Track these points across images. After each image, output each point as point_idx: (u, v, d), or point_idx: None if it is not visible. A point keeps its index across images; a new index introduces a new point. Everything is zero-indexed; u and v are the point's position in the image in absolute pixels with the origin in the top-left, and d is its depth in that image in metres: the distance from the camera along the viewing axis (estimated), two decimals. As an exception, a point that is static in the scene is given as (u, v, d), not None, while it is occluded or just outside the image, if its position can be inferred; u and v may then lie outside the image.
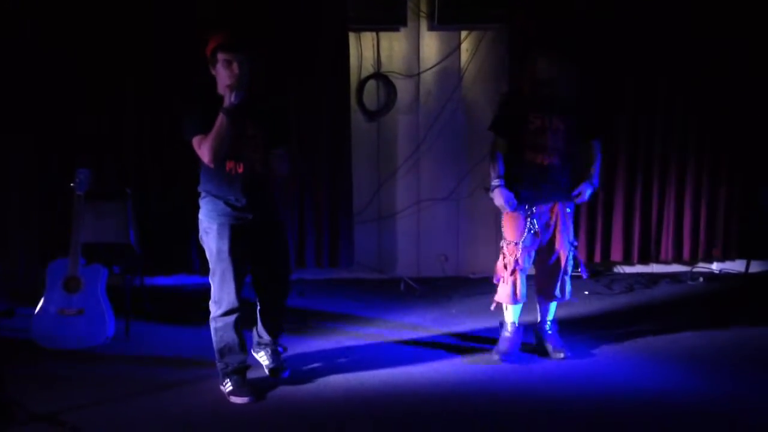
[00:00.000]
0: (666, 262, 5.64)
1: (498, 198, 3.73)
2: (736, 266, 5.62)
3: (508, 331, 3.86)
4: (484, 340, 4.13)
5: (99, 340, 4.03)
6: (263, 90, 3.57)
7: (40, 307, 4.02)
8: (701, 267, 5.66)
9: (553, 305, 3.93)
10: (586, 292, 5.15)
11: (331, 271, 5.52)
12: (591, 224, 5.51)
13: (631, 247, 5.55)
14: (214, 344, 3.47)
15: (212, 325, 3.46)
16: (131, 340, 4.20)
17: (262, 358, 3.73)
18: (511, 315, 3.86)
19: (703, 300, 5.02)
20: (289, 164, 3.51)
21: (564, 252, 3.79)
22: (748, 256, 5.45)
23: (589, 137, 3.84)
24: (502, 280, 3.78)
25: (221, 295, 3.40)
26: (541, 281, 3.89)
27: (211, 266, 3.43)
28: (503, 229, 3.81)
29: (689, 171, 5.53)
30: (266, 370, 3.68)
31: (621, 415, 3.24)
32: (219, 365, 3.48)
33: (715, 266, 5.70)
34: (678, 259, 5.64)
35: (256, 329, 3.76)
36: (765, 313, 4.62)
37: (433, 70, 5.58)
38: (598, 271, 5.59)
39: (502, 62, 5.43)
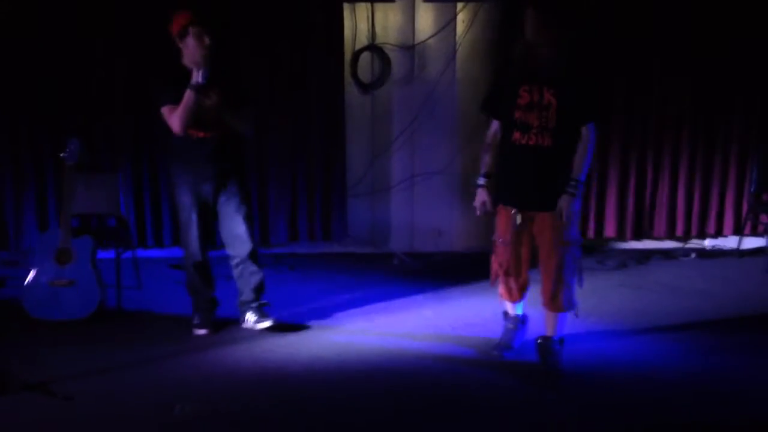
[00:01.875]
0: (659, 239, 5.65)
1: (476, 198, 3.48)
2: (729, 242, 5.64)
3: (511, 323, 3.63)
4: (477, 319, 4.11)
5: (90, 311, 4.01)
6: (224, 58, 3.84)
7: (32, 278, 4.00)
8: (694, 243, 5.68)
9: (554, 318, 3.42)
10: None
11: (323, 244, 5.51)
12: (584, 200, 5.49)
13: (625, 224, 5.55)
14: (185, 281, 3.95)
15: (183, 265, 3.95)
16: (122, 312, 4.21)
17: (249, 318, 3.94)
18: (512, 307, 3.62)
19: (695, 275, 5.03)
20: (251, 125, 3.84)
21: (556, 254, 3.31)
22: (741, 233, 5.48)
23: (583, 120, 3.29)
24: (493, 276, 3.52)
25: (186, 243, 3.85)
26: (541, 288, 3.44)
27: (179, 219, 3.87)
28: (496, 222, 3.51)
29: (683, 147, 5.52)
30: (257, 327, 3.90)
31: (618, 394, 3.25)
32: (191, 302, 3.93)
33: (708, 243, 5.72)
34: (671, 235, 5.65)
35: (238, 293, 3.99)
36: (755, 291, 4.65)
37: (429, 42, 5.51)
38: (591, 247, 5.60)
39: (499, 35, 5.37)
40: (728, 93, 5.46)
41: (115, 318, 4.11)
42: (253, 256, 3.91)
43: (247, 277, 3.92)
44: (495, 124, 3.49)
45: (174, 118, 3.62)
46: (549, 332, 3.47)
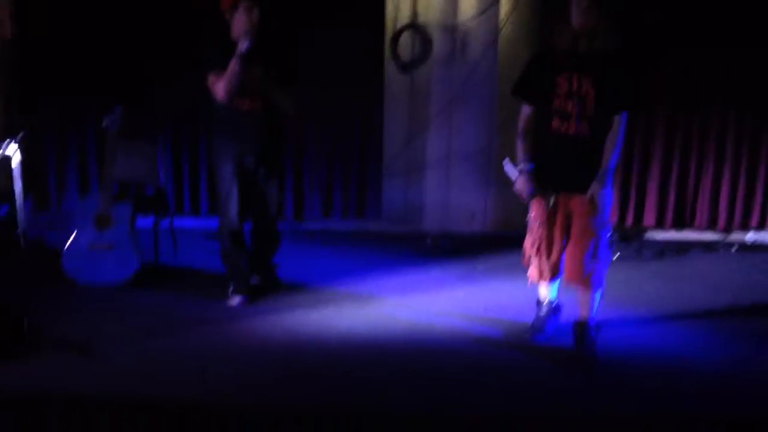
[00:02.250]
0: (700, 229, 5.54)
1: (519, 184, 3.42)
2: (769, 236, 5.52)
3: (543, 309, 3.62)
4: (509, 301, 4.08)
5: (127, 275, 4.09)
6: (273, 36, 3.87)
7: (71, 242, 4.08)
8: (735, 236, 5.55)
9: (587, 297, 3.40)
10: (615, 257, 5.09)
11: (357, 222, 5.52)
12: (625, 187, 5.42)
13: (665, 213, 5.46)
14: (220, 250, 3.98)
15: (219, 233, 3.98)
16: (159, 278, 4.26)
17: (257, 279, 4.08)
18: (545, 292, 3.61)
19: (735, 268, 4.92)
20: (294, 103, 3.88)
21: (590, 232, 3.32)
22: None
23: (617, 109, 3.29)
24: (529, 258, 3.53)
25: (225, 213, 3.90)
26: (566, 264, 3.46)
27: (219, 189, 3.92)
28: (530, 207, 3.51)
29: (729, 136, 5.40)
30: (263, 285, 4.06)
31: (647, 383, 3.21)
32: (226, 272, 3.99)
33: (750, 236, 5.59)
34: (713, 226, 5.53)
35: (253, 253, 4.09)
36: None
37: (471, 23, 5.45)
38: (628, 236, 5.51)
39: (542, 17, 5.29)
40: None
41: (152, 283, 4.17)
42: (275, 227, 4.09)
43: (267, 240, 4.07)
44: (527, 110, 3.45)
45: (219, 85, 3.70)
46: (584, 314, 3.44)
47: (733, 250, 5.36)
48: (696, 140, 5.40)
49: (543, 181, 3.41)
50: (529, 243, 3.53)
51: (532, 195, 3.44)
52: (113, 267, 4.07)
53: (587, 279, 3.35)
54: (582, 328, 3.41)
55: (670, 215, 5.47)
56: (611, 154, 3.30)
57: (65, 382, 2.95)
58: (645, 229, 5.58)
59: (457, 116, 5.53)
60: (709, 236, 5.57)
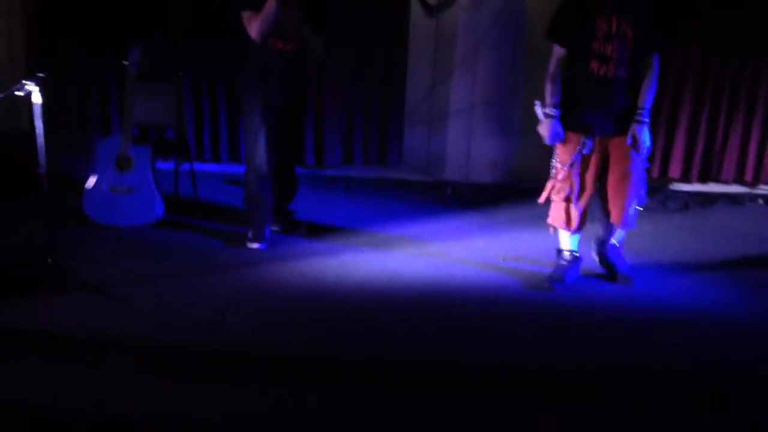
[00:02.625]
0: (726, 182, 5.43)
1: (544, 129, 3.41)
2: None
3: (564, 259, 3.60)
4: (529, 252, 4.05)
5: (149, 218, 4.11)
6: None
7: (92, 183, 4.10)
8: (762, 189, 5.43)
9: (621, 233, 3.61)
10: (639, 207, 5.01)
11: (378, 169, 5.47)
12: (652, 138, 5.29)
13: (691, 165, 5.35)
14: (244, 194, 3.94)
15: (245, 177, 3.90)
16: (180, 222, 4.27)
17: (276, 225, 4.07)
18: (567, 242, 3.59)
19: (761, 222, 4.83)
20: (324, 46, 3.83)
21: (632, 175, 3.40)
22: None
23: (652, 50, 3.32)
24: (552, 201, 3.53)
25: (252, 156, 3.83)
26: (608, 205, 3.51)
27: (247, 130, 3.83)
28: (557, 149, 3.49)
29: (761, 93, 5.23)
30: (279, 232, 4.06)
31: (666, 335, 3.18)
32: (247, 214, 3.96)
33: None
34: (740, 180, 5.42)
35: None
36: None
37: (499, -36, 5.27)
38: (654, 187, 5.40)
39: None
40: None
41: (172, 227, 4.19)
42: (292, 171, 4.08)
43: (285, 185, 4.05)
44: (560, 52, 3.39)
45: (255, 25, 3.62)
46: (614, 241, 3.62)
47: (760, 202, 5.25)
48: (727, 92, 5.24)
49: (578, 125, 3.39)
50: (553, 187, 3.52)
51: (558, 139, 3.43)
52: (134, 209, 4.09)
53: (629, 218, 3.49)
54: (614, 251, 3.65)
55: (696, 167, 5.36)
56: (648, 94, 3.35)
57: (85, 324, 2.99)
58: (670, 181, 5.47)
59: (482, 63, 5.40)
60: (735, 189, 5.45)
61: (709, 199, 5.28)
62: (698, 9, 5.07)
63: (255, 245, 3.91)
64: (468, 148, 5.56)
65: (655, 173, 5.38)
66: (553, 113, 3.41)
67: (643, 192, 3.49)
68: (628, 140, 3.34)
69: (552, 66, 3.42)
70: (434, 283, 3.59)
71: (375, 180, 5.43)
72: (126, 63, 4.07)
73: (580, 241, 3.63)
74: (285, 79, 3.78)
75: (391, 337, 3.02)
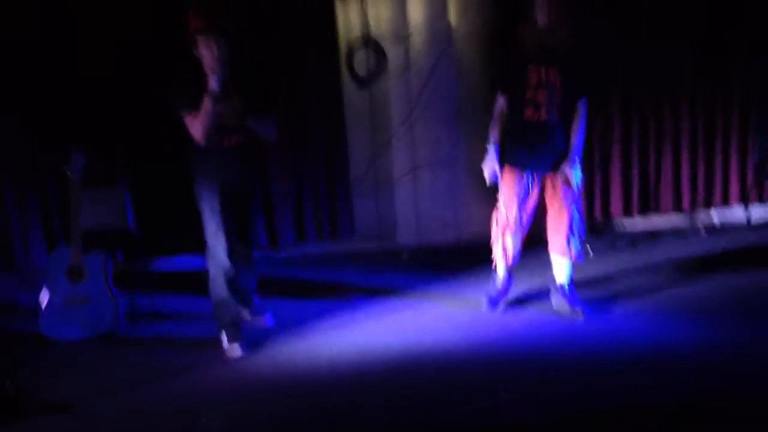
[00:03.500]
0: (666, 212, 5.63)
1: (486, 164, 3.86)
2: (736, 212, 5.61)
3: (498, 280, 4.05)
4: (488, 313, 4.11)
5: (105, 327, 4.01)
6: (244, 62, 3.73)
7: (45, 298, 3.99)
8: (702, 215, 5.66)
9: (565, 265, 3.93)
10: (590, 250, 5.17)
11: (332, 243, 5.49)
12: (589, 178, 5.48)
13: (631, 199, 5.55)
14: (210, 298, 3.79)
15: (208, 279, 3.78)
16: (137, 325, 4.19)
17: (244, 312, 4.00)
18: (502, 268, 4.02)
19: (706, 252, 5.01)
20: (275, 129, 3.81)
21: (568, 208, 3.81)
22: (747, 202, 5.47)
23: (579, 95, 3.75)
24: (494, 237, 3.95)
25: (213, 254, 3.73)
26: (550, 239, 3.92)
27: (204, 226, 3.74)
28: (501, 185, 3.90)
29: (684, 120, 5.50)
30: (248, 318, 4.00)
31: (637, 370, 3.25)
32: (215, 318, 3.81)
33: (715, 214, 5.69)
34: (678, 208, 5.63)
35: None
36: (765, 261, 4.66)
37: (423, 31, 5.46)
38: (599, 228, 5.59)
39: (492, 19, 5.33)
40: (726, 58, 5.43)
41: (131, 332, 4.09)
42: (251, 257, 4.01)
43: (245, 275, 3.94)
44: (501, 100, 3.86)
45: (195, 127, 3.56)
46: (563, 279, 3.93)
47: (702, 233, 5.45)
48: (653, 126, 5.49)
49: (518, 163, 3.82)
50: (497, 225, 3.94)
51: (495, 177, 3.84)
52: (90, 320, 3.99)
53: (570, 249, 3.85)
54: (565, 289, 3.94)
55: (636, 202, 5.56)
56: (577, 135, 3.77)
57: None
58: (614, 219, 5.66)
59: (420, 126, 5.53)
60: (676, 219, 5.65)
61: (654, 234, 5.46)
62: (616, 52, 5.35)
63: (235, 349, 3.70)
64: (417, 210, 5.64)
65: (597, 212, 5.55)
66: (492, 152, 3.85)
67: (581, 226, 3.86)
68: (561, 177, 3.76)
69: (495, 111, 3.88)
70: (404, 352, 3.59)
71: (331, 254, 5.42)
72: (68, 170, 4.04)
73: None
74: (236, 170, 3.72)
75: (369, 421, 2.99)
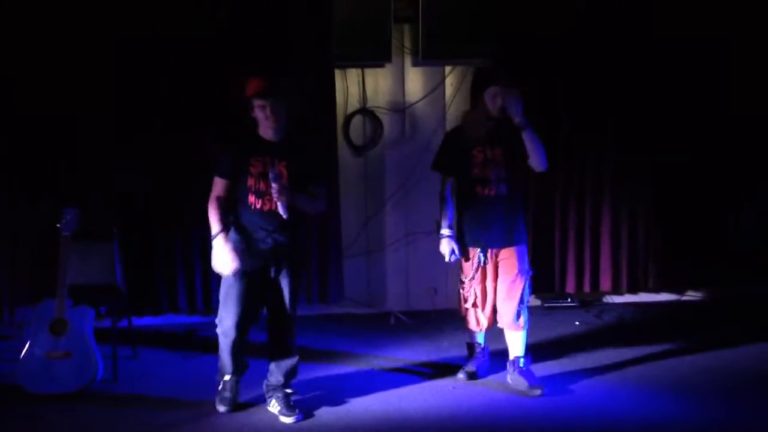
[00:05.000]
0: (654, 291, 5.66)
1: (443, 247, 3.95)
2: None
3: (476, 352, 4.11)
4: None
5: (87, 382, 3.97)
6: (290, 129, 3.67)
7: (27, 351, 3.96)
8: (690, 295, 5.68)
9: (519, 338, 3.95)
10: (577, 323, 5.17)
11: (320, 306, 5.49)
12: (579, 256, 5.54)
13: (620, 277, 5.58)
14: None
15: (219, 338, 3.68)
16: (119, 382, 4.15)
17: (273, 406, 3.69)
18: (476, 338, 4.11)
19: (693, 328, 5.02)
20: (325, 201, 3.77)
21: (519, 281, 3.89)
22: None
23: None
24: (463, 311, 4.05)
25: (223, 314, 3.62)
26: (501, 312, 3.96)
27: (221, 284, 3.63)
28: (462, 265, 4.01)
29: (675, 198, 5.59)
30: (280, 419, 3.62)
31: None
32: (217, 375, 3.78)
33: (702, 294, 5.72)
34: (667, 287, 5.66)
35: (268, 372, 3.78)
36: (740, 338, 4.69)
37: (419, 104, 5.64)
38: (587, 301, 5.61)
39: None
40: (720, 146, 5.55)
41: (112, 389, 4.05)
42: (292, 342, 3.75)
43: (279, 360, 3.72)
44: (447, 179, 4.01)
45: (210, 209, 3.54)
46: (518, 352, 3.95)
47: (689, 309, 5.47)
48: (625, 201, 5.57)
49: (473, 241, 3.92)
50: (464, 300, 4.01)
51: (455, 256, 3.92)
52: (72, 375, 3.94)
53: (520, 321, 3.91)
54: (519, 363, 3.93)
55: (625, 280, 5.58)
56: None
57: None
58: (603, 294, 5.68)
59: (413, 195, 5.63)
60: (665, 297, 5.68)
61: (641, 308, 5.48)
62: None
63: (220, 408, 3.69)
64: (407, 277, 5.69)
65: (586, 287, 5.57)
66: (447, 233, 3.94)
67: (528, 294, 3.95)
68: (513, 251, 3.87)
69: (443, 192, 4.00)
70: (386, 420, 3.57)
71: (318, 317, 5.42)
72: (60, 226, 4.08)
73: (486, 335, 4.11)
74: (267, 239, 3.59)
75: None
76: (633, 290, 5.64)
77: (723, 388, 3.88)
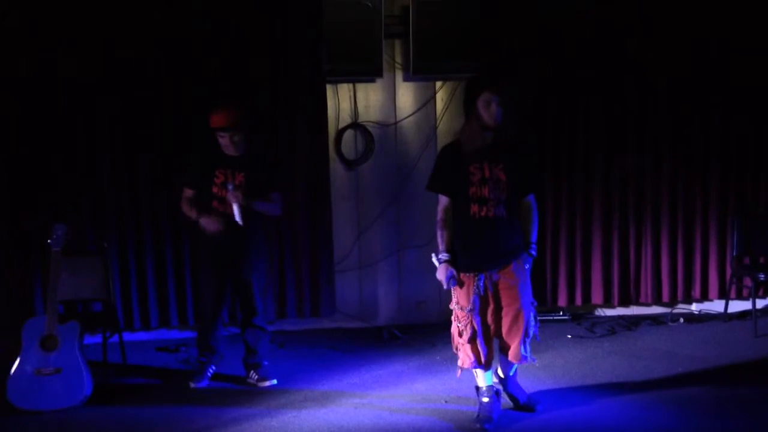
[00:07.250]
0: (646, 305, 5.68)
1: (440, 273, 3.62)
2: (715, 306, 5.67)
3: (486, 396, 3.70)
4: (469, 391, 4.07)
5: (77, 399, 3.94)
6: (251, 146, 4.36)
7: (17, 367, 3.94)
8: (681, 308, 5.71)
9: (514, 365, 3.78)
10: (569, 336, 5.17)
11: (312, 321, 5.48)
12: (570, 268, 5.55)
13: (612, 291, 5.58)
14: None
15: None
16: (110, 398, 4.12)
17: (252, 375, 4.33)
18: (483, 379, 3.73)
19: (684, 340, 5.04)
20: (281, 205, 4.41)
21: (524, 312, 3.62)
22: (726, 296, 5.53)
23: (527, 192, 3.69)
24: (459, 346, 3.68)
25: (199, 307, 4.47)
26: (504, 342, 3.69)
27: (200, 294, 4.48)
28: (455, 293, 3.68)
29: (664, 212, 5.61)
30: (259, 385, 4.29)
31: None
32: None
33: (695, 307, 5.75)
34: (658, 301, 5.67)
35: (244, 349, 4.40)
36: (743, 354, 4.67)
37: (410, 119, 5.67)
38: (579, 314, 5.62)
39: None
40: (706, 158, 5.59)
41: (103, 405, 4.02)
42: (259, 320, 4.37)
43: (251, 336, 4.36)
44: (444, 201, 3.70)
45: (183, 208, 4.31)
46: (508, 372, 3.80)
47: (681, 321, 5.49)
48: (633, 222, 5.59)
49: (470, 266, 3.61)
50: (456, 330, 3.67)
51: (454, 282, 3.61)
52: (62, 391, 3.92)
53: (523, 356, 3.66)
54: (508, 383, 3.83)
55: (616, 293, 5.60)
56: (533, 230, 3.69)
57: None
58: (595, 307, 5.70)
59: (404, 209, 5.65)
60: (656, 310, 5.69)
61: (633, 321, 5.50)
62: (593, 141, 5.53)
63: (192, 384, 4.23)
64: (399, 290, 5.69)
65: (578, 301, 5.58)
66: (445, 258, 3.62)
67: (535, 327, 3.70)
68: (515, 276, 3.58)
69: (439, 214, 3.70)
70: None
71: (311, 331, 5.42)
72: (50, 241, 4.07)
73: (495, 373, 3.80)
74: (232, 243, 4.25)
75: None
76: (625, 303, 5.66)
77: (718, 401, 3.88)
